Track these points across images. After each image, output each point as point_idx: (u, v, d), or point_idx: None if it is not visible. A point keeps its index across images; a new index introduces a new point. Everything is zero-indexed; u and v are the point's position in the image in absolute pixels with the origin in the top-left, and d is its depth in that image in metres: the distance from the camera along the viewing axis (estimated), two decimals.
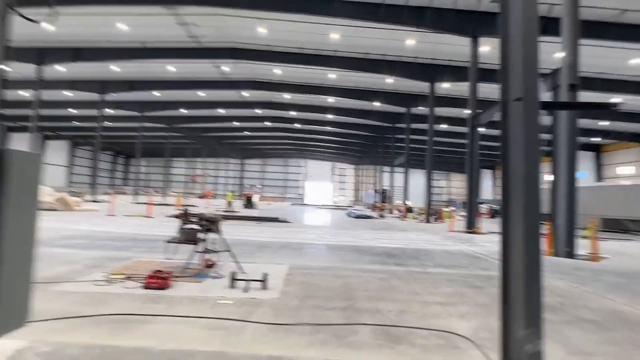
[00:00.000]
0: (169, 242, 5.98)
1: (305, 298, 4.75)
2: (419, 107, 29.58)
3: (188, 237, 5.95)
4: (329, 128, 43.52)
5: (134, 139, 45.65)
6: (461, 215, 30.48)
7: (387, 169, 41.40)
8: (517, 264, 2.85)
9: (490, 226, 22.20)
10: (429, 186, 23.54)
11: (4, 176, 1.69)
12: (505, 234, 3.00)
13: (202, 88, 30.67)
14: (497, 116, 14.44)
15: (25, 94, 31.45)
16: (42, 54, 24.00)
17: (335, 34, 20.04)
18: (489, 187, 62.23)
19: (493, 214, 36.43)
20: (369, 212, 32.95)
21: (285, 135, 51.71)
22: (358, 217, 26.10)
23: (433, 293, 5.35)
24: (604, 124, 32.52)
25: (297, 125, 44.54)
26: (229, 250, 6.16)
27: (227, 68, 26.86)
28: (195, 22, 20.22)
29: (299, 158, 73.54)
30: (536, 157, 2.75)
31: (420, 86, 26.00)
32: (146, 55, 23.42)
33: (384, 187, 42.42)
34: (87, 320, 3.60)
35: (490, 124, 32.31)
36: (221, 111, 39.56)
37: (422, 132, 37.65)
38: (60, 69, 27.28)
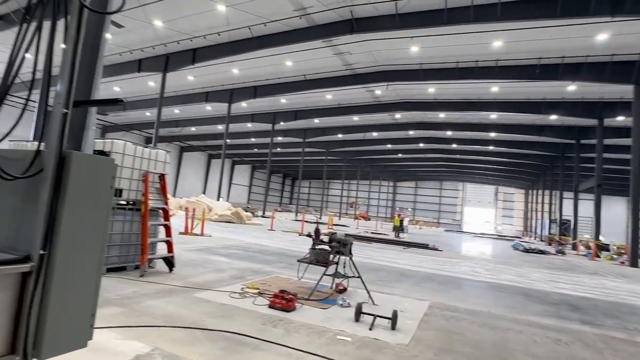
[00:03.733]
0: (299, 261, 5.87)
1: (442, 352, 3.75)
2: (617, 118, 23.34)
3: (318, 258, 5.70)
4: (491, 147, 38.94)
5: (297, 162, 51.14)
6: None
7: (568, 194, 33.85)
8: None
9: None
10: (636, 218, 17.86)
11: (66, 181, 1.61)
12: None
13: (356, 113, 31.88)
14: None
15: (221, 127, 39.14)
16: (231, 94, 29.37)
17: (497, 41, 17.80)
18: None
19: None
20: (542, 246, 27.41)
21: (440, 157, 48.91)
22: (527, 250, 21.87)
23: None
24: None
25: (454, 146, 41.47)
26: (359, 277, 5.62)
27: (379, 91, 27.22)
28: (349, 51, 21.24)
29: (455, 181, 68.39)
30: None
31: (617, 91, 20.55)
32: (307, 86, 25.87)
33: (565, 217, 34.81)
34: (206, 334, 3.61)
35: None
36: (374, 134, 40.33)
37: (621, 148, 29.61)
38: (244, 105, 32.90)
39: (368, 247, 15.00)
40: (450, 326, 4.71)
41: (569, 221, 33.29)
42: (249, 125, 39.47)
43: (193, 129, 43.69)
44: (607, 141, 25.93)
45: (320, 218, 46.31)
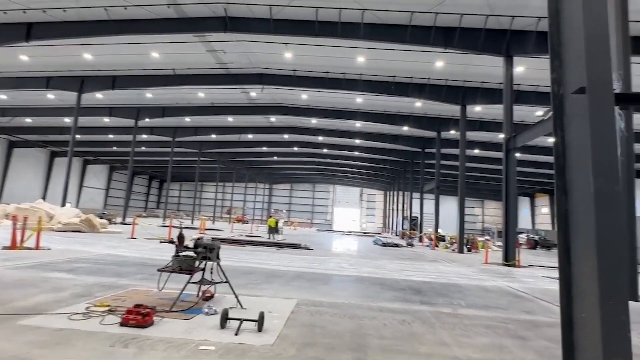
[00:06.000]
0: (160, 270, 5.37)
1: (305, 346, 3.92)
2: (450, 132, 28.47)
3: (182, 266, 5.31)
4: (357, 153, 42.94)
5: (166, 163, 47.06)
6: (497, 246, 28.37)
7: (417, 195, 39.89)
8: (589, 321, 1.96)
9: (531, 258, 20.28)
10: (462, 214, 22.06)
11: None
12: (567, 278, 2.12)
13: (231, 114, 31.12)
14: (534, 137, 13.13)
15: (69, 120, 33.21)
16: (82, 82, 25.20)
17: (361, 57, 19.73)
18: (526, 215, 58.75)
19: (533, 244, 33.84)
20: (397, 240, 31.48)
21: (313, 161, 51.60)
22: (385, 245, 24.81)
23: (465, 345, 4.35)
24: None
25: (325, 151, 44.30)
26: (227, 281, 5.46)
27: (254, 94, 27.18)
28: (223, 49, 20.61)
29: (327, 183, 73.09)
30: (612, 169, 1.90)
31: (451, 109, 25.05)
32: (177, 82, 24.06)
33: (414, 214, 40.79)
34: None
35: (525, 149, 30.58)
36: (249, 136, 40.06)
37: (453, 157, 36.26)
38: (99, 96, 28.65)
39: (242, 250, 14.76)
40: (314, 320, 4.96)
41: (417, 217, 39.13)
42: (106, 119, 34.62)
43: (28, 120, 35.99)
44: (444, 150, 31.43)
45: (192, 222, 43.56)
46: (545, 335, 5.03)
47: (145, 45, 20.11)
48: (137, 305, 4.39)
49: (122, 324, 4.17)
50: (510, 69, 16.31)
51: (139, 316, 4.20)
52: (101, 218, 24.60)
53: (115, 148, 46.45)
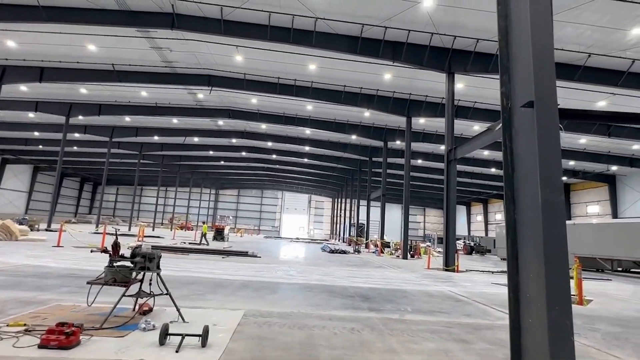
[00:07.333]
0: (90, 283, 4.83)
1: None
2: (396, 142, 29.61)
3: (116, 277, 4.83)
4: (305, 160, 43.08)
5: (102, 165, 43.63)
6: (437, 251, 29.87)
7: (363, 202, 40.90)
8: (536, 326, 2.02)
9: (468, 263, 21.58)
10: (406, 221, 22.92)
11: None
12: (515, 285, 2.18)
13: (176, 115, 29.69)
14: (473, 150, 13.97)
15: None
16: (3, 72, 22.54)
17: (312, 65, 19.87)
18: (463, 222, 62.80)
19: (469, 250, 36.14)
20: (344, 247, 31.90)
21: (261, 166, 50.88)
22: (332, 252, 25.00)
23: (413, 351, 4.41)
24: (571, 163, 33.47)
25: (274, 156, 43.91)
26: (167, 293, 5.06)
27: (202, 95, 26.23)
28: (169, 47, 19.67)
29: (275, 190, 72.43)
30: (557, 180, 2.00)
31: (397, 121, 26.09)
32: (116, 78, 22.45)
33: (360, 221, 41.71)
34: None
35: (462, 161, 32.72)
36: (196, 139, 38.54)
37: (398, 166, 37.83)
38: (23, 89, 25.88)
39: (185, 259, 13.99)
40: (263, 332, 4.75)
41: (363, 225, 40.04)
42: (31, 115, 31.39)
43: None
44: (390, 160, 32.61)
45: (129, 229, 40.68)
46: (485, 337, 5.28)
47: (80, 36, 18.59)
48: (61, 323, 3.88)
49: (41, 346, 3.67)
50: (451, 84, 17.35)
51: (62, 336, 3.71)
52: (21, 224, 22.11)
53: (41, 147, 42.21)
